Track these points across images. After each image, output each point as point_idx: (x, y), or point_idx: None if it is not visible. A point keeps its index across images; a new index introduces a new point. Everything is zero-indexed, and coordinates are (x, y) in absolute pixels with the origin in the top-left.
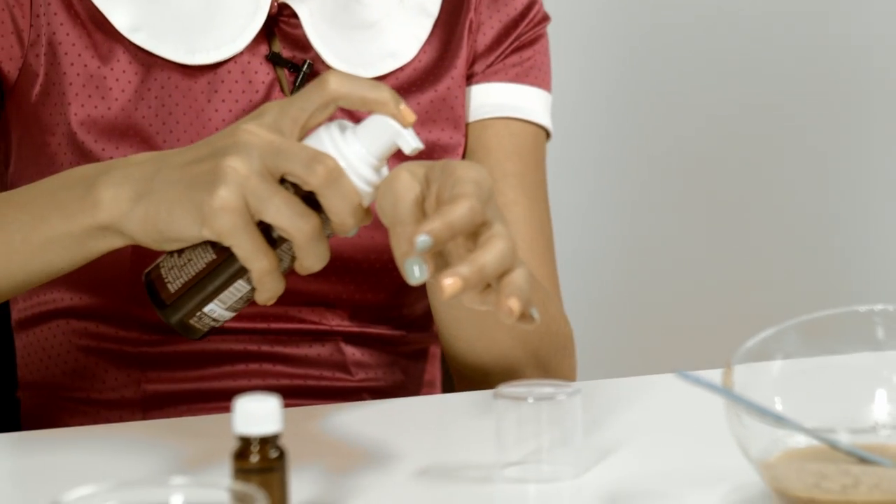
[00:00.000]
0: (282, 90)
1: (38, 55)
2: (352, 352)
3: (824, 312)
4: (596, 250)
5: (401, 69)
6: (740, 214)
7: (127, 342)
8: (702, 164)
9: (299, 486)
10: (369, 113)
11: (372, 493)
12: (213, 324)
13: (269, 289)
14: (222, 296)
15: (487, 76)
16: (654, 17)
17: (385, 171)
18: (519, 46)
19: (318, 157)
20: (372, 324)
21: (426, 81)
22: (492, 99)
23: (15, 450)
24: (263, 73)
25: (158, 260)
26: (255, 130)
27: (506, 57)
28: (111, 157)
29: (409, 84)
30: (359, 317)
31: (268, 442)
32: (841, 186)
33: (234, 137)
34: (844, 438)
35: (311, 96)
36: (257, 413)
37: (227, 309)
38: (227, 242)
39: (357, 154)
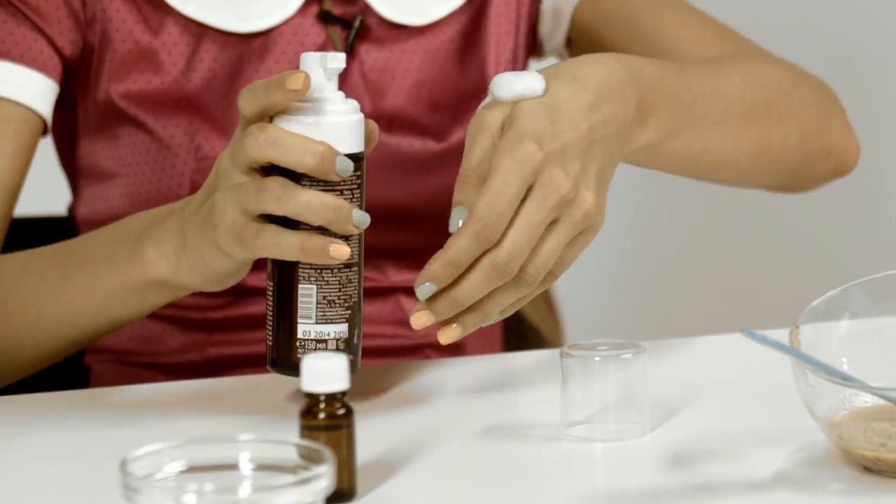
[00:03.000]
0: (335, 48)
1: (94, 33)
2: (412, 305)
3: (892, 271)
4: (662, 211)
5: (457, 12)
6: None
7: (191, 308)
8: None
9: (364, 445)
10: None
11: (437, 451)
12: (318, 346)
13: (318, 247)
14: (300, 313)
15: None
16: None
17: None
18: None
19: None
20: None
21: (482, 14)
22: None
23: (83, 407)
24: (315, 34)
25: None
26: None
27: None
28: (164, 128)
29: (466, 28)
30: (419, 266)
31: (335, 399)
32: None
33: (214, 176)
34: None
35: (237, 159)
36: (324, 370)
37: (315, 322)
38: (259, 252)
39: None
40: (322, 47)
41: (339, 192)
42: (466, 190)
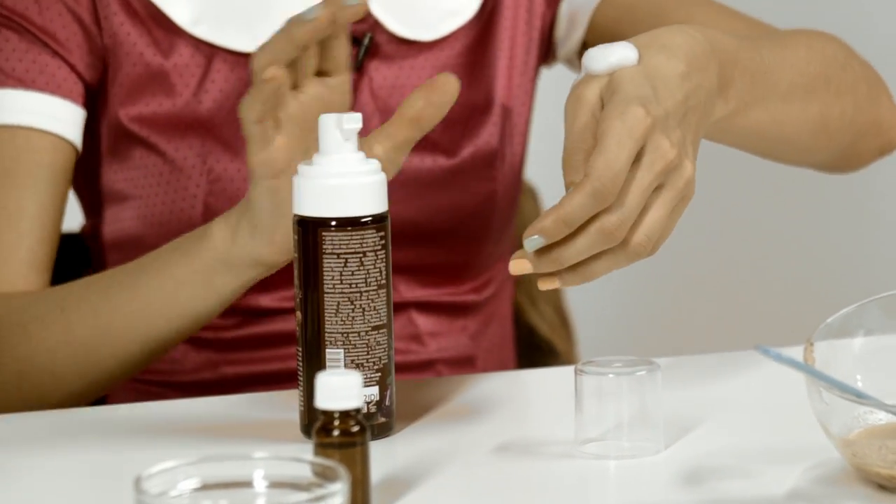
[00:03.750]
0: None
1: (109, 57)
2: (424, 321)
3: None
4: (676, 226)
5: (466, 26)
6: (819, 190)
7: (205, 328)
8: None
9: (379, 462)
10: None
11: (451, 469)
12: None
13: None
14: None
15: None
16: None
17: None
18: None
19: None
20: (445, 286)
21: (491, 28)
22: None
23: (98, 425)
24: None
25: None
26: None
27: None
28: (176, 150)
29: (474, 42)
30: (431, 283)
31: (349, 416)
32: None
33: None
34: None
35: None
36: (339, 387)
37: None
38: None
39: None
40: None
41: (361, 254)
42: (575, 166)
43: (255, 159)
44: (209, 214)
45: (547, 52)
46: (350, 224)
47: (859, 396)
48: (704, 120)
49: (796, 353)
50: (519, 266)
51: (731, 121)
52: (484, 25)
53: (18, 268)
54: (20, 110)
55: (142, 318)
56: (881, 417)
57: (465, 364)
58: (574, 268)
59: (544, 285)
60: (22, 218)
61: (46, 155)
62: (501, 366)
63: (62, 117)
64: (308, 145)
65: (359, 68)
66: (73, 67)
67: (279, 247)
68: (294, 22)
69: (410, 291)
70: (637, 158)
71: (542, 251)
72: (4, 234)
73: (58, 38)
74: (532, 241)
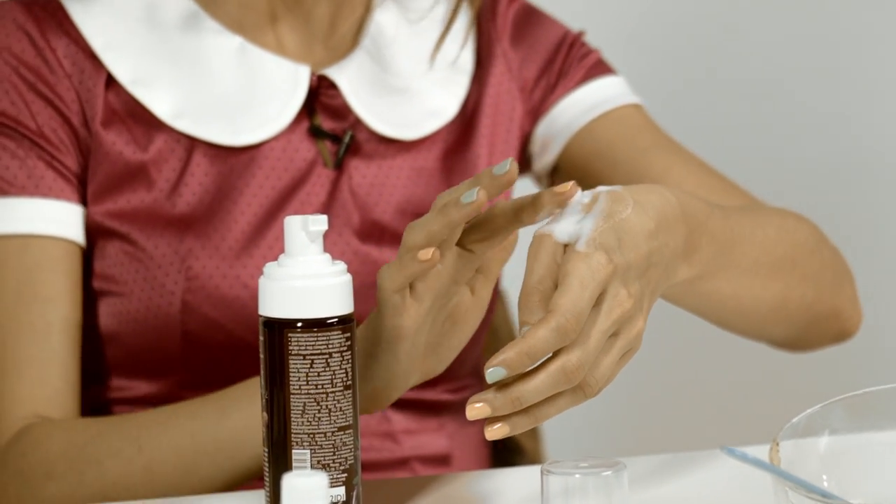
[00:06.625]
0: (324, 164)
1: (90, 157)
2: (399, 419)
3: (870, 389)
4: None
5: (446, 129)
6: None
7: None
8: None
9: None
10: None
11: None
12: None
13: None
14: None
15: (560, 92)
16: (670, 79)
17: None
18: (571, 62)
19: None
20: (420, 387)
21: (471, 132)
22: (580, 105)
23: None
24: (305, 149)
25: None
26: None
27: (563, 72)
28: (156, 247)
29: (453, 146)
30: None
31: None
32: (888, 259)
33: None
34: None
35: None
36: (305, 489)
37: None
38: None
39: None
40: (312, 162)
41: (327, 355)
42: (531, 308)
43: (387, 324)
44: (187, 312)
45: (524, 163)
46: (316, 325)
47: (825, 496)
48: (665, 279)
49: (762, 452)
50: (475, 412)
51: (692, 285)
52: (464, 129)
53: (56, 385)
54: (29, 219)
55: (227, 457)
56: None
57: (441, 462)
58: (526, 410)
59: (492, 434)
60: (50, 333)
61: (62, 263)
62: (479, 464)
63: (67, 220)
64: (437, 312)
65: (338, 165)
66: (67, 168)
67: (375, 401)
68: (452, 204)
69: None
70: (596, 304)
71: (502, 388)
72: (35, 352)
73: (52, 141)
74: (494, 373)
